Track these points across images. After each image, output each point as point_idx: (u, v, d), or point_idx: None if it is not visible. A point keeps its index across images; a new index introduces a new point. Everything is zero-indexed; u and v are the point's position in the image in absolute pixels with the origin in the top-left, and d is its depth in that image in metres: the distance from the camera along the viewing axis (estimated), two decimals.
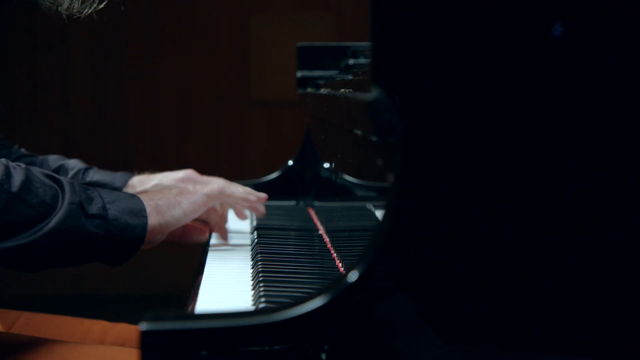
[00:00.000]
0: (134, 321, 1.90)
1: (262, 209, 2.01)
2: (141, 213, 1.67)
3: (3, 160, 1.55)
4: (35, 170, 1.60)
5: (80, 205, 1.58)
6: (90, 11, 1.82)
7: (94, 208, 1.60)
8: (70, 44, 5.61)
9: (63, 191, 1.58)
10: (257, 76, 5.67)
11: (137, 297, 5.19)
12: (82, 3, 1.80)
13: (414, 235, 1.13)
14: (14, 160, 2.07)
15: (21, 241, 1.54)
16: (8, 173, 1.54)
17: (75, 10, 1.79)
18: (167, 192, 1.79)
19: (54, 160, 2.20)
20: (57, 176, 1.61)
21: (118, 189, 2.13)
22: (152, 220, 1.69)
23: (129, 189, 2.14)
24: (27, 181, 1.55)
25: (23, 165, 1.58)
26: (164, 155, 5.60)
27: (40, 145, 2.30)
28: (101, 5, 1.84)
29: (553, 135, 1.12)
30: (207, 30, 5.68)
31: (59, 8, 1.77)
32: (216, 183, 1.93)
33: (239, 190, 1.95)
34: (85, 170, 2.19)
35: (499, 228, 1.13)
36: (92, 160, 2.24)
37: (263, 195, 2.00)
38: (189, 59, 5.67)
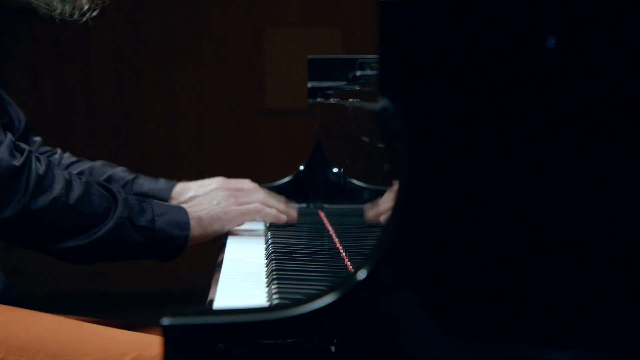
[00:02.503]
0: (156, 317, 1.91)
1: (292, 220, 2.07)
2: (185, 226, 1.82)
3: (66, 173, 1.70)
4: (95, 182, 1.75)
5: (128, 219, 1.73)
6: (81, 17, 1.90)
7: (143, 220, 1.76)
8: (92, 56, 5.61)
9: (116, 205, 1.73)
10: (270, 86, 5.67)
11: (158, 294, 5.18)
12: (73, 9, 1.87)
13: (418, 236, 1.13)
14: (65, 168, 2.18)
15: (73, 244, 1.70)
16: (69, 186, 1.68)
17: (67, 15, 1.87)
18: (212, 205, 1.93)
19: (100, 167, 2.29)
20: (113, 190, 1.76)
21: (165, 199, 2.22)
22: (195, 232, 1.84)
23: (172, 201, 2.22)
24: (85, 194, 1.70)
25: (84, 179, 1.72)
26: (182, 159, 5.60)
27: (65, 149, 2.29)
28: (94, 14, 1.93)
29: (549, 137, 1.12)
30: (222, 43, 5.67)
31: (53, 13, 1.85)
32: (255, 202, 2.00)
33: (272, 212, 2.01)
34: (133, 180, 2.27)
35: (496, 229, 1.13)
36: (115, 163, 2.26)
37: (294, 215, 2.06)
38: (205, 69, 5.67)
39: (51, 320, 1.76)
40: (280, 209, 2.03)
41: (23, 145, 1.68)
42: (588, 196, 1.13)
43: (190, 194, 2.23)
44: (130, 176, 2.28)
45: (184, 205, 1.91)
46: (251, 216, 1.97)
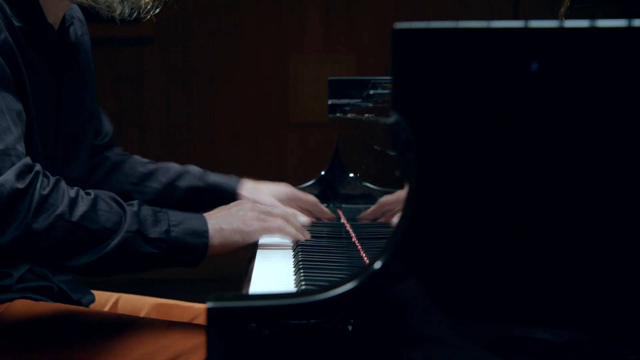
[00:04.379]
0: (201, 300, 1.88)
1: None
2: (203, 234, 1.62)
3: (72, 191, 1.53)
4: (107, 197, 1.57)
5: (137, 232, 1.55)
6: (146, 15, 1.76)
7: (156, 232, 1.56)
8: (145, 77, 5.63)
9: (125, 219, 1.55)
10: (294, 103, 5.67)
11: (199, 280, 5.18)
12: (131, 9, 1.73)
13: (426, 231, 1.12)
14: (138, 170, 2.10)
15: (84, 260, 1.52)
16: (73, 203, 1.51)
17: (126, 15, 1.72)
18: (234, 217, 1.70)
19: (174, 167, 2.20)
20: (123, 204, 1.58)
21: (232, 189, 2.09)
22: (214, 241, 1.63)
23: (243, 192, 2.08)
24: (91, 210, 1.52)
25: (93, 195, 1.55)
26: (219, 164, 5.57)
27: None
28: (156, 11, 1.77)
29: (542, 142, 1.11)
30: (255, 66, 5.68)
31: (113, 14, 1.71)
32: (279, 218, 1.77)
33: (292, 232, 1.77)
34: (204, 173, 2.17)
35: (489, 227, 1.12)
36: None
37: (307, 235, 1.82)
38: (240, 88, 5.68)
39: (97, 320, 1.71)
40: (300, 228, 1.81)
41: (37, 167, 1.52)
42: (573, 198, 1.12)
43: (265, 196, 2.05)
44: (201, 170, 2.18)
45: (207, 214, 1.69)
46: (271, 232, 1.74)
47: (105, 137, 2.11)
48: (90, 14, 1.78)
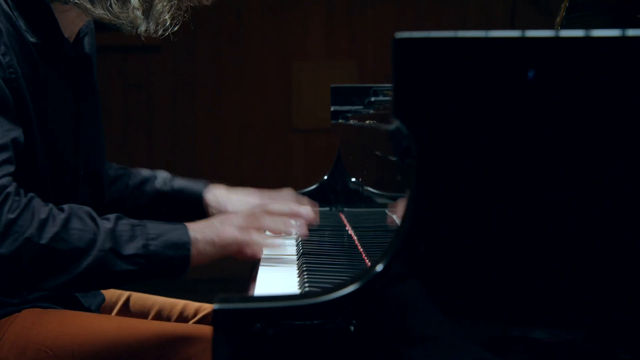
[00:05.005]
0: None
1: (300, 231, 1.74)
2: (184, 246, 1.52)
3: (44, 211, 1.45)
4: (82, 213, 1.49)
5: (111, 250, 1.46)
6: (164, 33, 1.70)
7: (131, 248, 1.48)
8: (153, 84, 5.64)
9: (98, 236, 1.46)
10: (298, 109, 5.68)
11: (204, 280, 5.17)
12: (157, 26, 1.66)
13: (426, 234, 1.12)
14: (131, 183, 2.01)
15: (58, 281, 1.45)
16: (42, 225, 1.43)
17: (152, 32, 1.66)
18: (210, 228, 1.58)
19: (142, 172, 2.05)
20: (98, 220, 1.49)
21: (198, 194, 1.98)
22: (194, 252, 1.52)
23: (209, 197, 1.98)
24: (62, 230, 1.44)
25: (66, 213, 1.47)
26: (225, 168, 5.61)
27: (129, 164, 2.26)
28: (175, 29, 1.70)
29: (538, 147, 1.11)
30: (258, 73, 5.69)
31: (138, 30, 1.64)
32: (263, 231, 1.63)
33: (259, 254, 1.62)
34: (171, 179, 2.03)
35: (486, 230, 1.12)
36: (167, 171, 2.16)
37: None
38: (245, 95, 5.69)
39: (108, 323, 1.67)
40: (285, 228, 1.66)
41: (9, 189, 1.44)
42: (569, 201, 1.12)
43: (227, 205, 1.96)
44: (169, 176, 2.03)
45: (188, 224, 1.57)
46: (246, 249, 1.59)
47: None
48: (98, 23, 1.76)
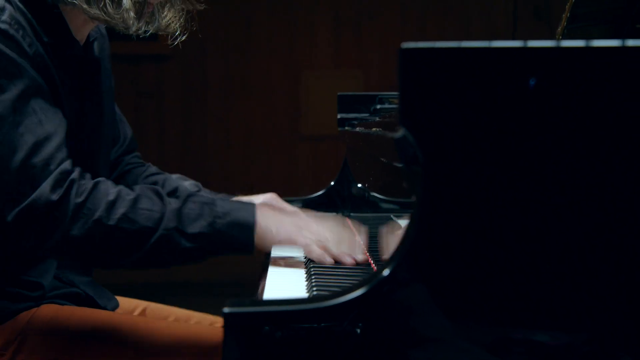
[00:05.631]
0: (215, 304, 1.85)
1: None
2: (249, 227, 1.54)
3: (113, 192, 1.50)
4: (151, 192, 1.53)
5: (175, 230, 1.49)
6: (174, 42, 1.76)
7: (197, 226, 1.51)
8: (164, 93, 5.65)
9: (164, 216, 1.50)
10: (305, 116, 5.69)
11: (214, 283, 5.18)
12: (147, 25, 1.70)
13: (431, 240, 1.12)
14: (145, 177, 2.03)
15: (130, 259, 1.50)
16: (111, 206, 1.48)
17: (141, 32, 1.69)
18: (274, 218, 1.59)
19: (174, 180, 2.07)
20: (166, 199, 1.53)
21: None
22: (259, 232, 1.54)
23: None
24: (131, 211, 1.49)
25: (136, 193, 1.52)
26: (235, 174, 5.62)
27: None
28: (183, 38, 1.76)
29: (541, 154, 1.11)
30: (267, 82, 5.70)
31: (129, 30, 1.66)
32: (319, 239, 1.63)
33: (319, 254, 1.62)
34: (196, 190, 2.01)
35: (489, 237, 1.12)
36: None
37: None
38: (254, 103, 5.70)
39: (124, 320, 1.69)
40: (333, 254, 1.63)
41: (74, 174, 1.49)
42: (571, 207, 1.12)
43: None
44: (194, 189, 2.02)
45: (260, 205, 1.58)
46: (304, 247, 1.61)
47: (124, 144, 2.08)
48: (112, 32, 1.77)
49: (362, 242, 1.68)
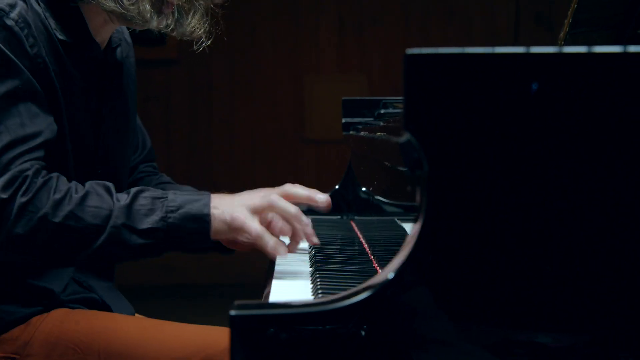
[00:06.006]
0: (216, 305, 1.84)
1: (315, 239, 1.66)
2: (203, 218, 1.47)
3: (61, 190, 1.45)
4: (101, 189, 1.48)
5: (124, 226, 1.44)
6: (200, 48, 1.74)
7: (148, 222, 1.45)
8: (170, 96, 5.65)
9: (112, 213, 1.45)
10: (309, 120, 5.69)
11: (216, 285, 5.19)
12: (170, 27, 1.66)
13: (435, 244, 1.12)
14: (154, 186, 1.96)
15: (78, 257, 1.47)
16: (57, 204, 1.44)
17: (164, 30, 1.66)
18: (228, 205, 1.51)
19: (179, 188, 1.97)
20: (115, 196, 1.48)
21: None
22: (216, 224, 1.48)
23: None
24: (78, 208, 1.44)
25: (87, 188, 1.47)
26: (239, 177, 5.63)
27: None
28: (208, 42, 1.75)
29: (542, 158, 1.11)
30: (272, 86, 5.70)
31: (150, 25, 1.64)
32: (268, 195, 1.58)
33: (270, 244, 1.53)
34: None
35: (497, 237, 1.12)
36: (184, 179, 2.14)
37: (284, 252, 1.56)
38: (259, 107, 5.70)
39: (133, 324, 1.67)
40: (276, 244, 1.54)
41: (28, 172, 1.45)
42: (573, 211, 1.12)
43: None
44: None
45: (214, 195, 1.52)
46: (247, 238, 1.52)
47: (142, 153, 2.07)
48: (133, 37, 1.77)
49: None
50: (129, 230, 1.45)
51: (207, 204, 1.49)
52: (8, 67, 1.50)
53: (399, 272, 1.11)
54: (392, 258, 1.14)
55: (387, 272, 1.11)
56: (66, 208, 1.44)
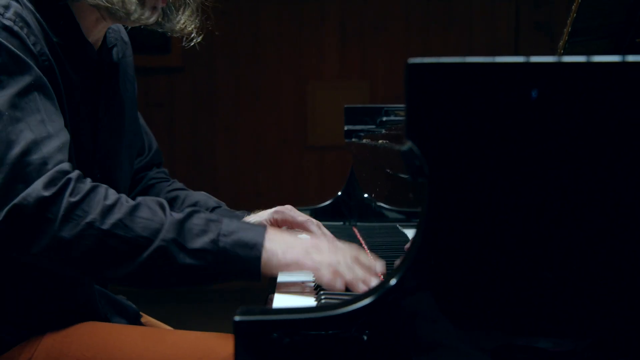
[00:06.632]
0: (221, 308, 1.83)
1: None
2: (256, 247, 1.37)
3: (111, 198, 1.38)
4: (154, 203, 1.41)
5: (174, 242, 1.35)
6: (190, 43, 1.68)
7: (199, 242, 1.37)
8: (174, 103, 5.66)
9: (163, 227, 1.37)
10: (312, 127, 5.69)
11: (220, 290, 5.18)
12: (152, 15, 1.60)
13: (437, 251, 1.12)
14: (168, 192, 1.92)
15: (123, 270, 1.37)
16: (107, 210, 1.35)
17: (143, 18, 1.59)
18: (282, 242, 1.41)
19: (196, 195, 1.95)
20: (168, 211, 1.40)
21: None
22: (265, 256, 1.38)
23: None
24: (127, 217, 1.36)
25: (138, 201, 1.39)
26: (242, 182, 5.62)
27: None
28: (192, 43, 1.68)
29: (541, 164, 1.11)
30: (276, 93, 5.71)
31: (131, 17, 1.57)
32: (326, 264, 1.41)
33: (338, 285, 1.40)
34: (213, 208, 1.89)
35: (497, 244, 1.12)
36: (188, 186, 2.12)
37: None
38: (262, 113, 5.70)
39: (136, 335, 1.60)
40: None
41: (72, 174, 1.38)
42: (573, 216, 1.12)
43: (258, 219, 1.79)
44: (213, 204, 1.91)
45: (271, 229, 1.43)
46: (313, 271, 1.42)
47: (148, 155, 2.03)
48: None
49: (377, 269, 1.45)
50: (178, 247, 1.36)
51: (262, 234, 1.40)
52: (17, 64, 1.44)
53: (401, 278, 1.11)
54: (394, 264, 1.14)
55: (389, 278, 1.11)
56: (116, 216, 1.36)
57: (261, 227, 1.42)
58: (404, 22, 5.70)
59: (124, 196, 1.41)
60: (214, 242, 1.37)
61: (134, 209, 1.38)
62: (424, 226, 1.12)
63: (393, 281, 1.11)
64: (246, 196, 5.58)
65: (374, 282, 1.39)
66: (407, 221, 1.45)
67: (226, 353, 1.49)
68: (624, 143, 1.11)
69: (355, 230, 2.20)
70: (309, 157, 5.69)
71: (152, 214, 1.38)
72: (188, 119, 5.68)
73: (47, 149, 1.40)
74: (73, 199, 1.35)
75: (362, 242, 2.01)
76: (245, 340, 1.10)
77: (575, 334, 1.13)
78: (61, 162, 1.39)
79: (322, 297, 1.40)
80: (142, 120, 1.98)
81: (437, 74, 1.11)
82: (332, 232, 2.12)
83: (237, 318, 1.09)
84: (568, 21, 1.81)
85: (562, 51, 1.81)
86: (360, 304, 1.10)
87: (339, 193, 2.41)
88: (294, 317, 1.10)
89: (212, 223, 1.39)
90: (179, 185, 2.01)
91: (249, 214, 1.85)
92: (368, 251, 1.85)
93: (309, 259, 1.41)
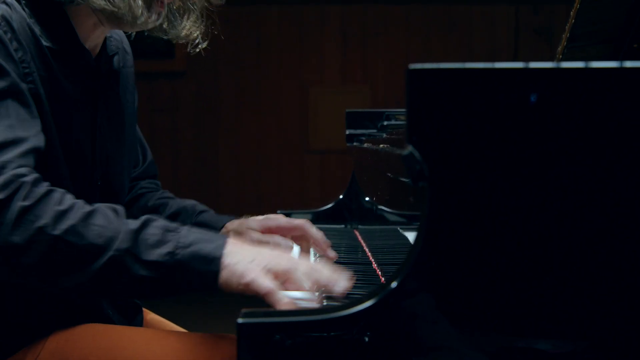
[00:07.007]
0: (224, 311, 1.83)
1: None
2: (214, 262, 1.27)
3: (66, 203, 1.30)
4: (110, 210, 1.33)
5: (127, 252, 1.27)
6: (195, 49, 1.66)
7: (154, 254, 1.28)
8: (177, 107, 5.66)
9: (118, 235, 1.28)
10: (314, 131, 5.69)
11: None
12: (157, 19, 1.57)
13: (437, 254, 1.12)
14: (155, 200, 1.87)
15: (76, 279, 1.29)
16: (60, 216, 1.28)
17: (155, 28, 1.57)
18: (243, 260, 1.29)
19: (181, 202, 1.88)
20: (125, 219, 1.32)
21: (219, 226, 1.77)
22: (224, 273, 1.27)
23: (228, 226, 1.77)
24: (81, 224, 1.28)
25: (94, 208, 1.32)
26: (245, 186, 5.63)
27: None
28: (203, 45, 1.66)
29: (541, 168, 1.12)
30: (278, 97, 5.71)
31: (138, 21, 1.53)
32: (289, 263, 1.32)
33: (284, 301, 1.26)
34: (200, 212, 1.83)
35: (497, 247, 1.12)
36: (191, 189, 2.12)
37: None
38: (264, 118, 5.71)
39: (141, 336, 1.58)
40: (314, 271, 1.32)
41: (28, 178, 1.30)
42: (573, 220, 1.12)
43: (246, 228, 1.74)
44: (201, 209, 1.85)
45: (230, 240, 1.32)
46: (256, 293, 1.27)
47: (142, 167, 1.99)
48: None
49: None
50: (133, 258, 1.28)
51: (222, 247, 1.30)
52: None
53: (402, 280, 1.12)
54: (395, 266, 1.14)
55: (391, 281, 1.12)
56: (69, 222, 1.28)
57: (222, 239, 1.32)
58: (404, 27, 5.71)
59: (80, 202, 1.34)
60: (171, 254, 1.29)
61: (89, 216, 1.30)
62: (424, 229, 1.12)
63: (394, 284, 1.11)
64: (248, 200, 5.58)
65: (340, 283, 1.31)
66: (408, 224, 1.45)
67: (229, 355, 1.49)
68: (622, 147, 1.11)
69: (357, 233, 2.20)
70: (311, 161, 5.70)
71: (107, 221, 1.30)
72: (191, 123, 5.68)
73: (10, 154, 1.34)
74: (25, 203, 1.28)
75: (364, 244, 2.01)
76: (248, 342, 1.10)
77: (576, 336, 1.13)
78: (21, 166, 1.33)
79: (324, 297, 1.40)
80: (139, 132, 1.96)
81: (437, 79, 1.12)
82: (334, 235, 2.13)
83: (240, 320, 1.09)
84: (566, 27, 1.81)
85: (560, 56, 1.82)
86: (362, 306, 1.10)
87: (341, 196, 2.41)
88: (296, 319, 1.10)
89: (169, 233, 1.31)
90: (168, 194, 1.96)
91: (234, 219, 1.80)
92: (369, 254, 1.86)
93: (254, 284, 1.27)
